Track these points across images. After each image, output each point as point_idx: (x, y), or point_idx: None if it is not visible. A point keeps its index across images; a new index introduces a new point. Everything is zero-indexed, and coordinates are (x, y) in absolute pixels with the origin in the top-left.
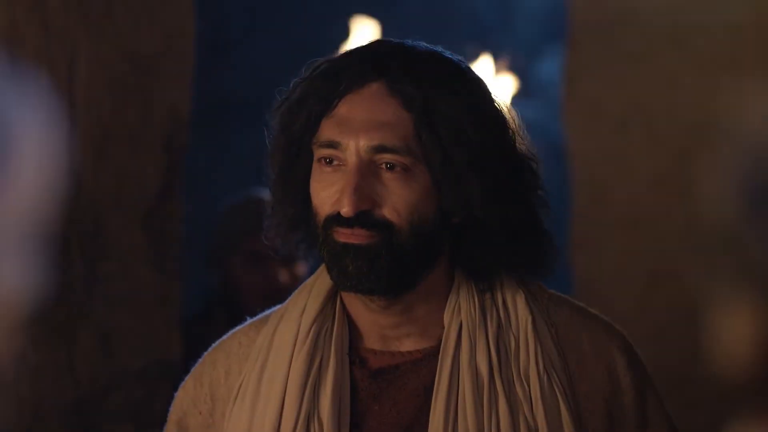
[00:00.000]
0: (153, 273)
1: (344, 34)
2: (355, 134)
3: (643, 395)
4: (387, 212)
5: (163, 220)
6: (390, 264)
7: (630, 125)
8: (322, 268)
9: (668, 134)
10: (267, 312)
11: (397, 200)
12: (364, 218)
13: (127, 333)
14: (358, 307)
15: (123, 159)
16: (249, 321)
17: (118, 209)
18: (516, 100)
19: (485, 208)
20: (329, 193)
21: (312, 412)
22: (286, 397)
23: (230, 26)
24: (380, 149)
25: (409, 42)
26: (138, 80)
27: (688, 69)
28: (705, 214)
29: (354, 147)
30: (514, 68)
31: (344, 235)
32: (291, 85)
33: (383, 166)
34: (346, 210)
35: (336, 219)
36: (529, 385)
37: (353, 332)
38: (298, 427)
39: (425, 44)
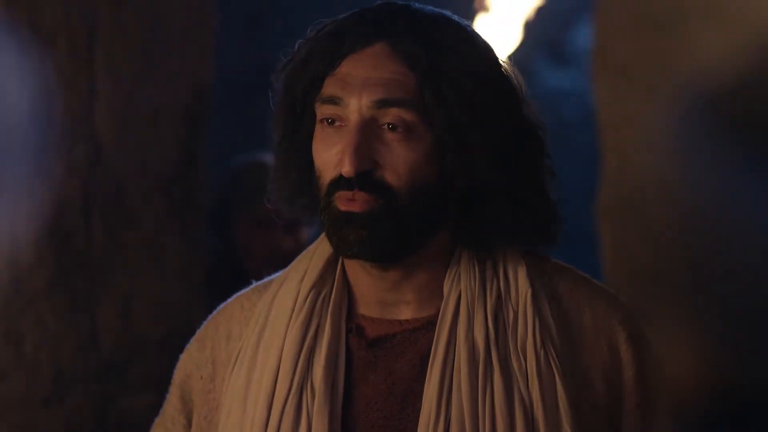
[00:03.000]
0: (175, 241)
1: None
2: (358, 91)
3: (644, 372)
4: (387, 174)
5: (186, 188)
6: (391, 230)
7: (659, 92)
8: (324, 235)
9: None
10: (271, 276)
11: (398, 161)
12: (364, 180)
13: (149, 302)
14: (357, 272)
15: (145, 128)
16: (253, 285)
17: (140, 178)
18: (552, 68)
19: (489, 171)
20: (331, 155)
21: (305, 380)
22: (281, 364)
23: None
24: (383, 103)
25: (416, 4)
26: (159, 49)
27: (717, 36)
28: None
29: (356, 104)
30: (549, 38)
31: (345, 202)
32: (296, 46)
33: (385, 126)
34: (347, 170)
35: (338, 182)
36: (525, 360)
37: (352, 299)
38: (291, 394)
39: (431, 7)
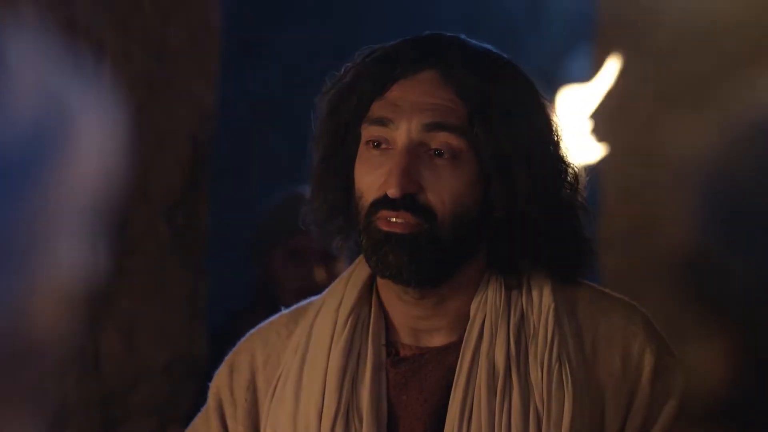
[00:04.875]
0: (178, 268)
1: (373, 34)
2: (408, 114)
3: (658, 375)
4: (432, 199)
5: (189, 214)
6: (430, 255)
7: (657, 121)
8: (359, 260)
9: (696, 130)
10: (302, 303)
11: (443, 187)
12: (409, 202)
13: (152, 328)
14: (392, 298)
15: (148, 154)
16: (285, 311)
17: (143, 204)
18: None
19: (530, 202)
20: (376, 176)
21: (351, 404)
22: (326, 390)
23: (260, 25)
24: (434, 126)
25: (463, 36)
26: (163, 75)
27: (715, 65)
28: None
29: (406, 127)
30: (544, 68)
31: (387, 223)
32: (342, 69)
33: (432, 152)
34: (392, 191)
35: (382, 202)
36: (542, 372)
37: (388, 325)
38: (339, 419)
39: (477, 41)
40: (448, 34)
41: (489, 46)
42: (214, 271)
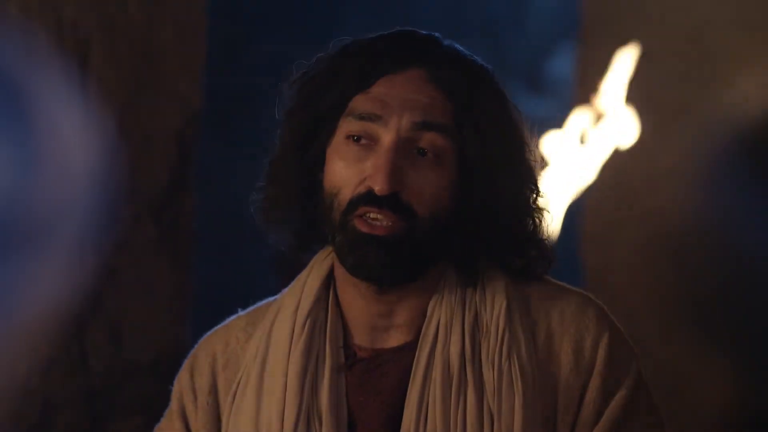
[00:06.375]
0: (164, 266)
1: (356, 32)
2: (398, 111)
3: (611, 369)
4: (413, 198)
5: (175, 212)
6: (409, 255)
7: (642, 120)
8: (315, 260)
9: (680, 129)
10: (260, 304)
11: (425, 187)
12: (393, 200)
13: (139, 326)
14: (351, 297)
15: (135, 153)
16: (242, 313)
17: (130, 202)
18: (528, 95)
19: (512, 202)
20: (355, 171)
21: (312, 408)
22: (287, 393)
23: (244, 22)
24: (422, 125)
25: (438, 35)
26: (150, 74)
27: (700, 65)
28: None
29: (395, 123)
30: (526, 65)
31: (367, 224)
32: (314, 60)
33: (415, 151)
34: (380, 188)
35: (363, 198)
36: (493, 371)
37: (345, 327)
38: (300, 423)
39: (448, 41)
40: (423, 32)
41: (459, 47)
42: (200, 269)
